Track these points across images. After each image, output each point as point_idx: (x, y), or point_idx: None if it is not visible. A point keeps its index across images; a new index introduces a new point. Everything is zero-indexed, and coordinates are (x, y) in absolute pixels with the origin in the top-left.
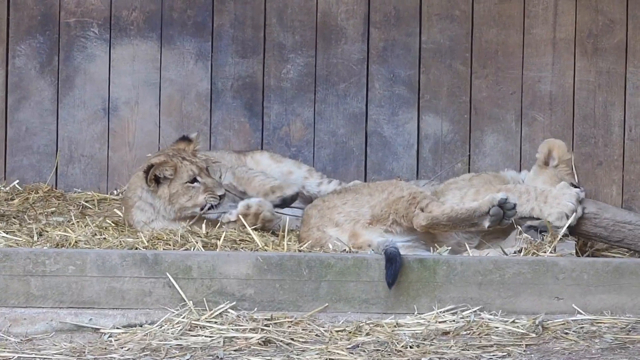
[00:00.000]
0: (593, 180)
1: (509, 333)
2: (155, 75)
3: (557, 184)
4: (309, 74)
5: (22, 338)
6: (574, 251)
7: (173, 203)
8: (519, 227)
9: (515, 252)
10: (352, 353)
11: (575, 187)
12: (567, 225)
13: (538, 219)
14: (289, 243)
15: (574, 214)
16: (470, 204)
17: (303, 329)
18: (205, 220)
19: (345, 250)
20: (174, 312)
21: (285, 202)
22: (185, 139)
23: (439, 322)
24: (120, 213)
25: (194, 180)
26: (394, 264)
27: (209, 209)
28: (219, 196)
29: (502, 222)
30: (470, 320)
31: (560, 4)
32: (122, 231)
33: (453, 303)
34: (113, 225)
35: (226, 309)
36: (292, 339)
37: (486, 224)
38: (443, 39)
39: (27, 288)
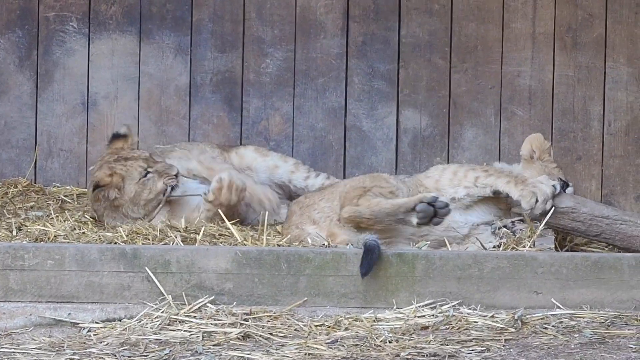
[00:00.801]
0: (572, 175)
1: (488, 328)
2: (135, 70)
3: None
4: (288, 69)
5: (1, 332)
6: (553, 246)
7: (136, 203)
8: (498, 222)
9: (494, 247)
10: (331, 348)
11: (564, 181)
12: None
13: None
14: (268, 237)
15: (547, 201)
16: (397, 199)
17: (282, 324)
18: (184, 215)
19: (324, 244)
20: (152, 307)
21: None
22: (119, 136)
23: (418, 317)
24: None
25: (147, 173)
26: (371, 254)
27: (171, 190)
28: (175, 175)
29: (432, 219)
30: (449, 315)
31: None
32: (101, 226)
33: (432, 297)
34: (92, 220)
35: (205, 304)
36: (271, 334)
37: (414, 220)
38: (422, 33)
39: (5, 282)
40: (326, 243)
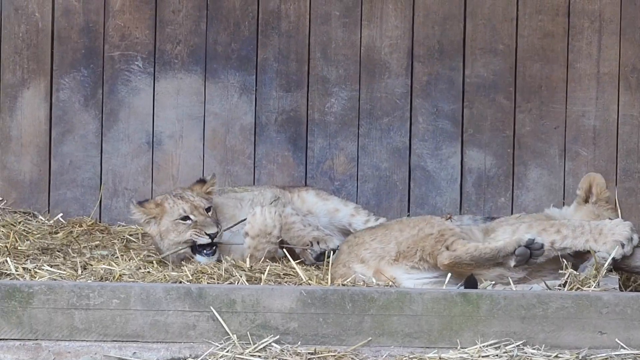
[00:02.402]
0: (637, 215)
1: None
2: (200, 109)
3: (599, 220)
4: (353, 108)
5: None
6: (618, 286)
7: (163, 238)
8: (565, 261)
9: (559, 286)
10: None
11: None
12: (622, 253)
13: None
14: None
15: (631, 242)
16: (496, 243)
17: None
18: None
19: (389, 284)
20: (217, 346)
21: (324, 255)
22: (201, 181)
23: (482, 357)
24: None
25: (186, 218)
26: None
27: (201, 247)
28: (209, 234)
29: (529, 261)
30: (513, 355)
31: (604, 39)
32: (166, 265)
33: (496, 337)
34: (156, 259)
35: (270, 343)
36: None
37: (512, 263)
38: (487, 73)
39: (71, 321)
40: (391, 282)
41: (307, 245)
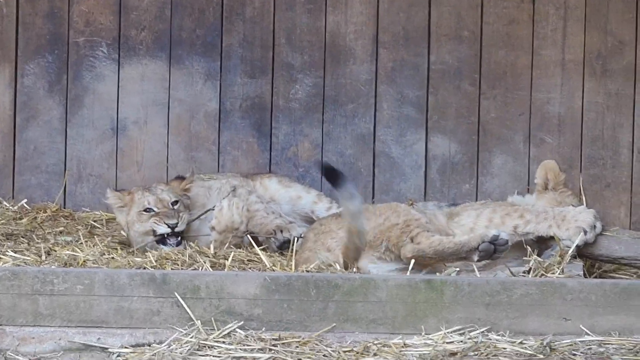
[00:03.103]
0: (601, 202)
1: (517, 354)
2: (164, 95)
3: (561, 207)
4: (318, 95)
5: (30, 357)
6: (582, 272)
7: (130, 228)
8: (529, 247)
9: (523, 273)
10: None
11: None
12: (585, 240)
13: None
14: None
15: (593, 230)
16: (460, 238)
17: (311, 349)
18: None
19: (354, 270)
20: (182, 332)
21: (287, 244)
22: (179, 177)
23: (447, 343)
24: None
25: (149, 210)
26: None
27: (166, 238)
28: (168, 224)
29: (492, 257)
30: (478, 341)
31: (569, 26)
32: (130, 251)
33: (460, 324)
34: (121, 245)
35: (234, 329)
36: (299, 359)
37: (475, 258)
38: (452, 59)
39: (35, 307)
40: (355, 269)
41: (271, 233)
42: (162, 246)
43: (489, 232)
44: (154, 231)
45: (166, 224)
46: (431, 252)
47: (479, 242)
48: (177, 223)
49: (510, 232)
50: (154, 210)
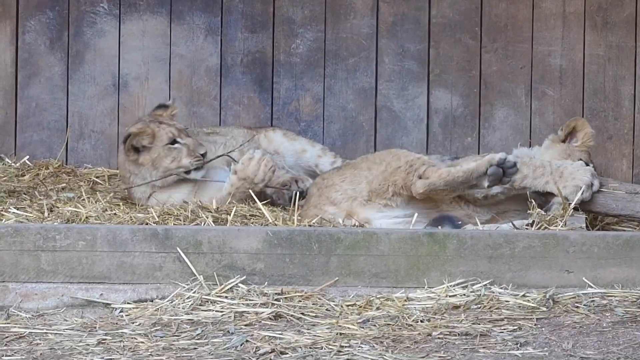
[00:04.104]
0: (603, 154)
1: (520, 307)
2: (165, 51)
3: (569, 160)
4: (319, 49)
5: (33, 313)
6: (585, 225)
7: (157, 167)
8: (533, 201)
9: (526, 226)
10: (362, 327)
11: (585, 164)
12: (581, 198)
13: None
14: (299, 218)
15: (590, 188)
16: (468, 165)
17: (313, 304)
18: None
19: (355, 224)
20: (184, 287)
21: (301, 195)
22: (162, 106)
23: (450, 296)
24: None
25: (174, 141)
26: None
27: (195, 170)
28: (201, 155)
29: (502, 180)
30: (480, 294)
31: None
32: (132, 207)
33: (463, 277)
34: (123, 201)
35: (237, 284)
36: (302, 314)
37: (485, 184)
38: (452, 13)
39: (37, 263)
40: (357, 223)
41: (286, 185)
42: (187, 176)
43: (495, 155)
44: (183, 164)
45: (200, 155)
46: (442, 184)
47: (487, 166)
48: (206, 152)
49: (507, 186)
50: (179, 142)
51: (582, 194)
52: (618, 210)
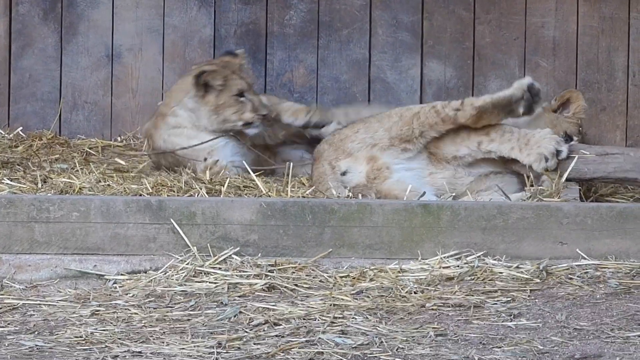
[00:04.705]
0: (597, 126)
1: (513, 278)
2: (159, 22)
3: (554, 130)
4: (312, 20)
5: (26, 285)
6: (578, 196)
7: (219, 113)
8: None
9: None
10: (356, 299)
11: (569, 136)
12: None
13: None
14: (292, 189)
15: (556, 157)
16: (505, 91)
17: (307, 275)
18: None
19: (348, 195)
20: (178, 258)
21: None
22: (230, 53)
23: (443, 268)
24: (122, 162)
25: (242, 94)
26: None
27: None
28: (263, 115)
29: (532, 107)
30: (474, 266)
31: None
32: (126, 178)
33: (457, 248)
34: (117, 172)
35: (230, 255)
36: (296, 285)
37: (520, 110)
38: None
39: (31, 234)
40: (350, 195)
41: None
42: (245, 129)
43: (523, 81)
44: (245, 118)
45: (262, 115)
46: (490, 106)
47: (522, 91)
48: (268, 113)
49: (474, 148)
50: (245, 96)
51: (546, 162)
52: (590, 174)
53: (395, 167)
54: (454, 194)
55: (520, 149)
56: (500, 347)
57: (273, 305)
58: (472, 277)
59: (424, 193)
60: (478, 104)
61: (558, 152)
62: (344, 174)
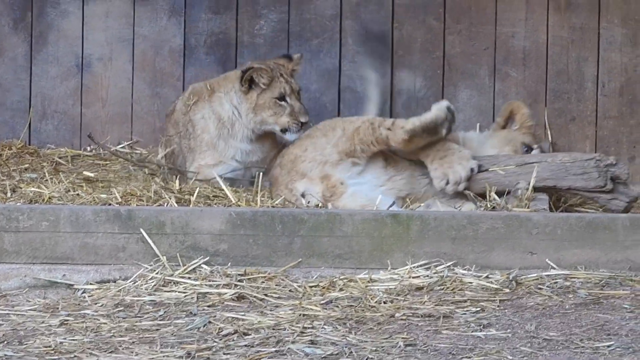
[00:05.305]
0: (566, 136)
1: (483, 288)
2: (129, 31)
3: (511, 145)
4: (282, 30)
5: None
6: (548, 206)
7: (256, 113)
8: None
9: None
10: (325, 308)
11: (528, 146)
12: (441, 187)
13: None
14: (262, 199)
15: (457, 185)
16: (429, 114)
17: (277, 285)
18: (178, 175)
19: (318, 205)
20: (147, 268)
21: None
22: (287, 57)
23: (413, 278)
24: (90, 174)
25: (283, 98)
26: None
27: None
28: (301, 123)
29: (451, 128)
30: (443, 276)
31: None
32: (95, 187)
33: (427, 258)
34: (86, 181)
35: (200, 264)
36: (265, 295)
37: (444, 132)
38: None
39: (0, 244)
40: (320, 204)
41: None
42: (282, 134)
43: (442, 103)
44: (281, 123)
45: (301, 122)
46: (420, 129)
47: (444, 112)
48: (308, 122)
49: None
50: (287, 101)
51: (446, 183)
52: (511, 186)
53: (350, 181)
54: (422, 205)
55: (433, 160)
56: (469, 358)
57: (242, 315)
58: (442, 287)
59: (394, 203)
60: (408, 127)
61: (459, 180)
62: (303, 195)
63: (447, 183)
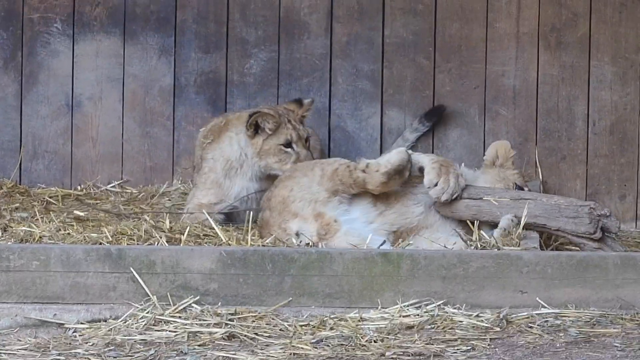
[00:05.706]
0: (557, 174)
1: (473, 327)
2: (119, 71)
3: (503, 184)
4: (272, 69)
5: None
6: (538, 245)
7: (261, 158)
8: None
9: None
10: (316, 347)
11: (519, 187)
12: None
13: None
14: (252, 238)
15: (455, 194)
16: (394, 156)
17: (267, 324)
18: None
19: (308, 243)
20: (138, 307)
21: None
22: (298, 101)
23: (403, 317)
24: (80, 213)
25: (289, 145)
26: None
27: None
28: None
29: (410, 170)
30: (434, 315)
31: None
32: (86, 227)
33: (417, 297)
34: (77, 220)
35: (190, 304)
36: (256, 334)
37: (407, 173)
38: (406, 33)
39: None
40: (310, 243)
41: None
42: None
43: (399, 148)
44: (284, 170)
45: None
46: (393, 171)
47: (408, 154)
48: None
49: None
50: (293, 148)
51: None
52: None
53: (342, 218)
54: (412, 242)
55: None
56: None
57: (233, 354)
58: (432, 326)
59: (384, 242)
60: (384, 170)
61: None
62: (297, 234)
63: (443, 193)
